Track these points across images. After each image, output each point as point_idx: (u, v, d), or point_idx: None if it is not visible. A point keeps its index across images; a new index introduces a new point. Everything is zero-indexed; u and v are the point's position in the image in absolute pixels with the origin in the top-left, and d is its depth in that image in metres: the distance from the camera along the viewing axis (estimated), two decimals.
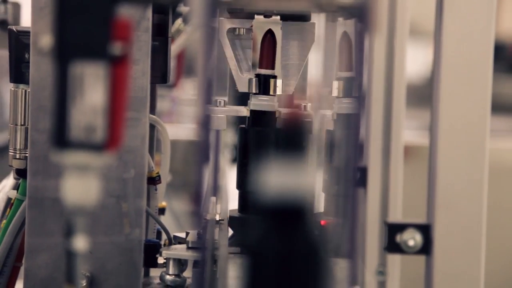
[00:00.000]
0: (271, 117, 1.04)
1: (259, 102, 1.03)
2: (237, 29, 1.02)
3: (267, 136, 1.03)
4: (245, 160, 1.05)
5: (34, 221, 0.94)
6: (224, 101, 1.03)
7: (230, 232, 1.05)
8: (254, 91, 1.02)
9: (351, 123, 0.70)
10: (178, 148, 1.58)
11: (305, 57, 1.01)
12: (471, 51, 0.89)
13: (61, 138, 0.65)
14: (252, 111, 1.03)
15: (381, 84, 1.30)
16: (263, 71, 1.03)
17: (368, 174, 1.21)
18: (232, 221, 1.05)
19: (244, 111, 1.03)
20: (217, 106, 1.00)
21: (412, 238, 0.88)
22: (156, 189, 1.04)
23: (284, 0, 0.69)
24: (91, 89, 0.65)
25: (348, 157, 0.75)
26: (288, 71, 1.01)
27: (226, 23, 1.00)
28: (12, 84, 0.98)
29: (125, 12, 0.67)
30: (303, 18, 0.97)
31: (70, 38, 0.65)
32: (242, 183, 1.06)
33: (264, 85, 1.03)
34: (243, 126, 1.05)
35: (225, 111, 1.01)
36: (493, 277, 0.94)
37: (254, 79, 1.01)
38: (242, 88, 1.02)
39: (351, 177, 0.67)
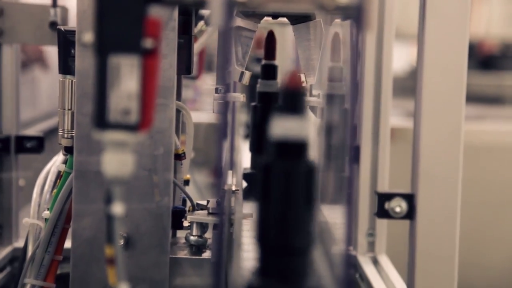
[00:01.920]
0: (274, 96, 1.07)
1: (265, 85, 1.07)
2: (242, 29, 1.00)
3: (271, 110, 1.03)
4: (255, 129, 1.06)
5: (79, 190, 0.93)
6: (224, 88, 1.01)
7: (245, 184, 1.06)
8: (244, 83, 1.01)
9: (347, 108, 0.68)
10: (200, 130, 1.57)
11: (319, 51, 1.00)
12: (449, 49, 0.88)
13: (102, 119, 0.65)
14: (259, 92, 1.05)
15: (371, 76, 1.29)
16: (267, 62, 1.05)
17: (360, 152, 1.20)
18: (246, 176, 1.06)
19: (241, 97, 1.03)
20: (217, 93, 1.00)
21: (399, 206, 0.88)
22: (181, 164, 1.04)
23: (290, 2, 0.67)
24: (127, 78, 0.64)
25: (346, 137, 0.73)
26: (309, 66, 1.00)
27: (235, 21, 0.99)
28: (60, 75, 0.97)
29: (155, 13, 0.67)
30: (309, 18, 0.96)
31: (109, 35, 0.64)
32: (253, 147, 1.08)
33: (267, 72, 1.06)
34: (255, 103, 1.07)
35: (224, 97, 1.01)
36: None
37: (245, 72, 1.00)
38: (235, 78, 1.01)
39: (350, 155, 0.66)
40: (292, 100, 0.63)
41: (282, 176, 0.61)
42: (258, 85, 1.06)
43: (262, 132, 1.01)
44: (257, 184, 0.63)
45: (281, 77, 1.08)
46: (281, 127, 0.62)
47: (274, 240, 0.61)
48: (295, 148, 0.62)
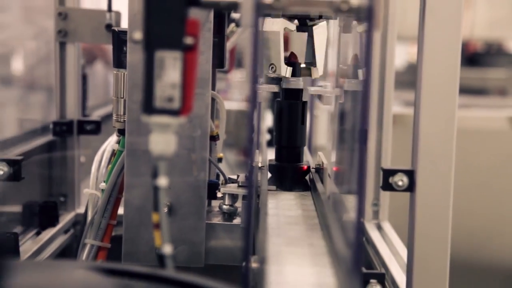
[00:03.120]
0: (298, 93, 1.01)
1: (290, 82, 1.01)
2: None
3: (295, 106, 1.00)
4: (280, 124, 1.03)
5: (130, 166, 0.92)
6: (261, 81, 1.02)
7: (269, 174, 1.03)
8: (288, 76, 1.00)
9: (359, 97, 0.66)
10: (231, 116, 1.56)
11: (325, 48, 0.99)
12: (444, 48, 0.86)
13: (149, 105, 0.63)
14: (284, 89, 1.01)
15: (376, 71, 1.27)
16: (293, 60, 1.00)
17: (368, 134, 1.18)
18: (270, 167, 1.03)
19: (275, 88, 1.01)
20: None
21: (401, 180, 0.86)
22: (215, 144, 1.02)
23: (310, 5, 0.65)
24: (170, 70, 0.63)
25: (356, 122, 0.71)
26: (317, 60, 0.99)
27: (281, 24, 0.97)
28: (114, 69, 0.96)
29: (195, 15, 0.65)
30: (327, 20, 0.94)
31: (155, 33, 0.63)
32: (278, 140, 1.04)
33: (293, 70, 1.00)
34: (279, 99, 1.03)
35: (263, 88, 1.00)
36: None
37: (288, 68, 0.99)
38: (283, 72, 0.99)
39: (360, 137, 0.64)
40: None
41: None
42: (281, 82, 1.02)
43: (285, 127, 1.00)
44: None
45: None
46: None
47: None
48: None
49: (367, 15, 0.60)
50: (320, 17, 0.93)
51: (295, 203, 0.94)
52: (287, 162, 1.02)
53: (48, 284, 0.48)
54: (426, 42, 0.85)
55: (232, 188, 0.98)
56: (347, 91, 0.96)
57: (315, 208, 0.92)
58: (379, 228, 1.27)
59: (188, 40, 0.63)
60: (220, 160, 1.09)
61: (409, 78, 2.59)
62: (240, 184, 0.98)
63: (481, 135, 2.16)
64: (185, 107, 0.64)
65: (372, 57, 1.14)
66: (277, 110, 1.03)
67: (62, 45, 1.28)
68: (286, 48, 1.01)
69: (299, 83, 1.02)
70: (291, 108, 1.02)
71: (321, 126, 1.76)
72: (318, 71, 1.01)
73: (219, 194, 0.98)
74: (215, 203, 1.02)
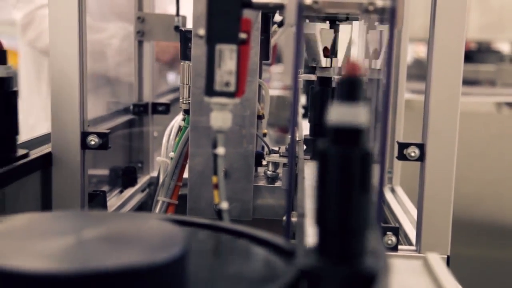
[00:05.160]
0: (329, 80, 0.95)
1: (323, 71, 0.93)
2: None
3: (326, 91, 0.95)
4: (313, 107, 0.99)
5: (194, 138, 0.91)
6: (302, 70, 0.98)
7: (304, 147, 1.01)
8: (321, 66, 0.95)
9: (381, 85, 0.63)
10: (273, 100, 1.53)
11: (347, 44, 0.95)
12: (450, 46, 0.82)
13: (211, 89, 0.61)
14: (318, 77, 0.97)
15: (393, 64, 1.23)
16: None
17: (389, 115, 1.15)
18: (305, 141, 1.01)
19: (313, 77, 0.98)
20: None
21: (413, 151, 0.82)
22: (261, 122, 1.00)
23: (343, 7, 0.62)
24: (227, 60, 0.61)
25: (379, 105, 0.68)
26: (338, 52, 0.94)
27: (318, 26, 0.93)
28: (181, 61, 0.94)
29: (247, 16, 0.62)
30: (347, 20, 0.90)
31: (215, 30, 0.61)
32: (311, 118, 1.00)
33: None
34: (313, 86, 0.99)
35: (303, 76, 0.97)
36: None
37: (327, 59, 0.94)
38: (323, 63, 0.94)
39: (383, 117, 0.61)
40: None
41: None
42: (316, 72, 0.97)
43: (318, 108, 0.95)
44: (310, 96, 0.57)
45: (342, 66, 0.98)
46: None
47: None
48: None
49: (390, 15, 0.57)
50: (347, 18, 0.89)
51: None
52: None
53: (131, 229, 0.48)
54: (435, 40, 0.82)
55: (274, 157, 0.96)
56: (370, 79, 0.93)
57: None
58: (393, 191, 1.24)
59: (242, 36, 0.61)
60: (265, 135, 1.07)
61: (416, 71, 2.53)
62: (281, 154, 0.96)
63: (474, 116, 2.12)
64: (239, 91, 0.62)
65: (393, 52, 1.10)
66: (310, 94, 0.92)
67: (140, 43, 1.27)
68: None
69: (328, 71, 0.89)
70: (322, 95, 0.92)
71: None
72: (338, 61, 0.96)
73: (264, 162, 0.96)
74: (261, 170, 1.00)
